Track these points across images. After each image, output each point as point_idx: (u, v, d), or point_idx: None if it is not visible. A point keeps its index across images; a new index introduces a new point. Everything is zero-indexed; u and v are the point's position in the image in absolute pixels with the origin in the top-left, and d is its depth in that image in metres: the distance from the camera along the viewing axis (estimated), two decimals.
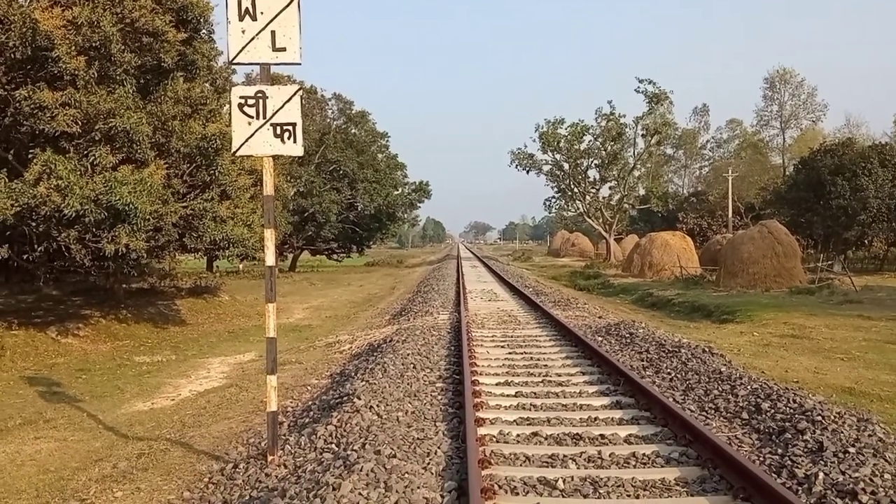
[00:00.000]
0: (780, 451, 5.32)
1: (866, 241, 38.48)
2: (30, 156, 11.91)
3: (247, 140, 5.67)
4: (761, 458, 5.24)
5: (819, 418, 5.74)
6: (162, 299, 20.09)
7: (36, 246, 13.29)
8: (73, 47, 11.61)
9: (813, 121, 61.58)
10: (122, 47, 12.30)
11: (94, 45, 11.84)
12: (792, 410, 6.12)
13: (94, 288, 19.07)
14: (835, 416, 5.79)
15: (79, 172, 11.66)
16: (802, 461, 4.96)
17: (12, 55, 11.40)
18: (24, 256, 14.23)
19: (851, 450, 5.00)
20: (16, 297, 17.41)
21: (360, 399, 6.89)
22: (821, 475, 4.58)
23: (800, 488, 4.54)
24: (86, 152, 12.24)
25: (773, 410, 6.25)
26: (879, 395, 8.12)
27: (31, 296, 17.73)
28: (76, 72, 11.66)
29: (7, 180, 11.33)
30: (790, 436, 5.54)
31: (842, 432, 5.38)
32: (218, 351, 13.92)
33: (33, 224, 12.05)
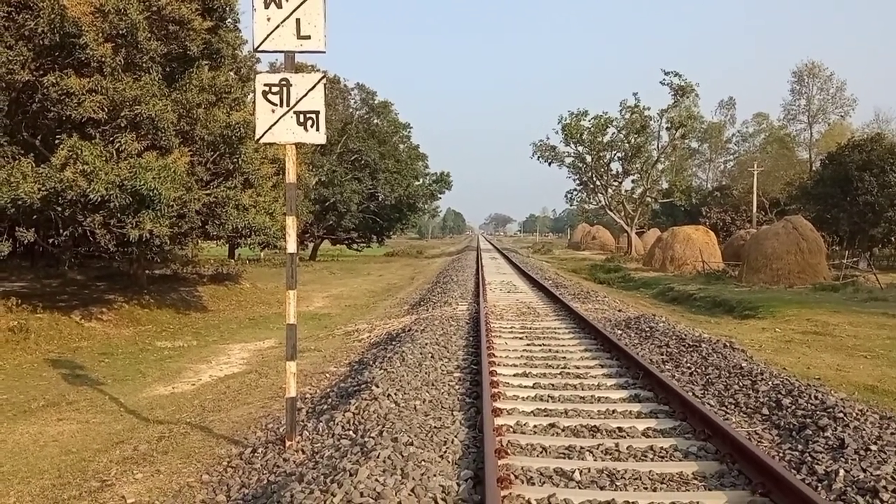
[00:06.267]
0: (800, 447, 5.27)
1: (893, 239, 37.92)
2: (56, 141, 12.10)
3: (270, 127, 5.70)
4: (781, 454, 5.19)
5: (841, 415, 5.68)
6: (184, 285, 20.31)
7: (62, 230, 13.51)
8: (101, 34, 11.74)
9: (841, 115, 60.57)
10: (149, 35, 12.41)
11: (120, 32, 11.96)
12: (813, 407, 6.05)
13: (118, 273, 19.34)
14: (857, 414, 5.73)
15: (104, 158, 11.81)
16: (823, 458, 4.91)
17: (41, 41, 11.55)
18: (50, 241, 14.47)
19: (873, 447, 4.94)
20: (41, 280, 17.70)
21: (378, 387, 6.92)
22: (841, 472, 4.53)
23: (820, 485, 4.50)
24: (111, 138, 12.40)
25: (793, 406, 6.18)
26: None
27: (56, 280, 18.01)
28: (103, 59, 11.78)
29: (34, 165, 11.50)
30: (811, 432, 5.48)
31: (864, 430, 5.31)
32: (238, 337, 14.05)
33: (59, 208, 12.23)
